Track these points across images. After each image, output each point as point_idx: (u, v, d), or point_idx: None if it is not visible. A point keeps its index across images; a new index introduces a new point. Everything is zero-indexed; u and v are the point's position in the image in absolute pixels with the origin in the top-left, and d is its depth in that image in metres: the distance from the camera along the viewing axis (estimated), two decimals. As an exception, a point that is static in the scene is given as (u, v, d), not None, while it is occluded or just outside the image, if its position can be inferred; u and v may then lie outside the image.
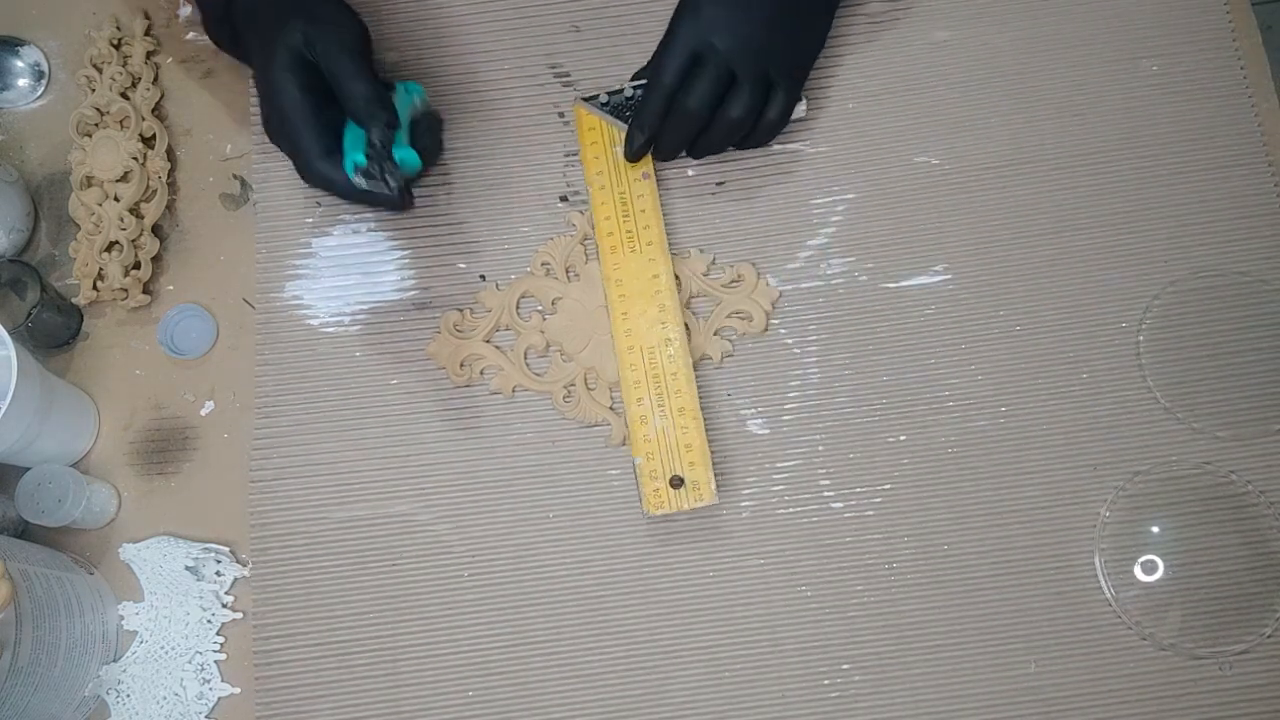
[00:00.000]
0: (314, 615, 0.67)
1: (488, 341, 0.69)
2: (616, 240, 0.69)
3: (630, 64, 0.73)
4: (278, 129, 0.65)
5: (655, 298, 0.68)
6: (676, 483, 0.65)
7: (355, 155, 0.62)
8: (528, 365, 0.69)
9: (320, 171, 0.64)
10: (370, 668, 0.66)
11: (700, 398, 0.68)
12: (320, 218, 0.72)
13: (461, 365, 0.69)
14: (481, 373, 0.69)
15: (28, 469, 0.66)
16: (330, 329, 0.70)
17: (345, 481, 0.68)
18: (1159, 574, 0.66)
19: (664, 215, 0.70)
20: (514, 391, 0.69)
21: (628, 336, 0.68)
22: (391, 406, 0.69)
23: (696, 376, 0.68)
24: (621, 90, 0.71)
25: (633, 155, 0.69)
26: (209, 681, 0.66)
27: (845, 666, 0.65)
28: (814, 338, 0.69)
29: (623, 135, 0.70)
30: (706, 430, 0.67)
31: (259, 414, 0.69)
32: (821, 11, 0.70)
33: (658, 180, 0.71)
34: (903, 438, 0.68)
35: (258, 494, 0.68)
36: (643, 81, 0.70)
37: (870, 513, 0.67)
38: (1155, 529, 0.66)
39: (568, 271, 0.70)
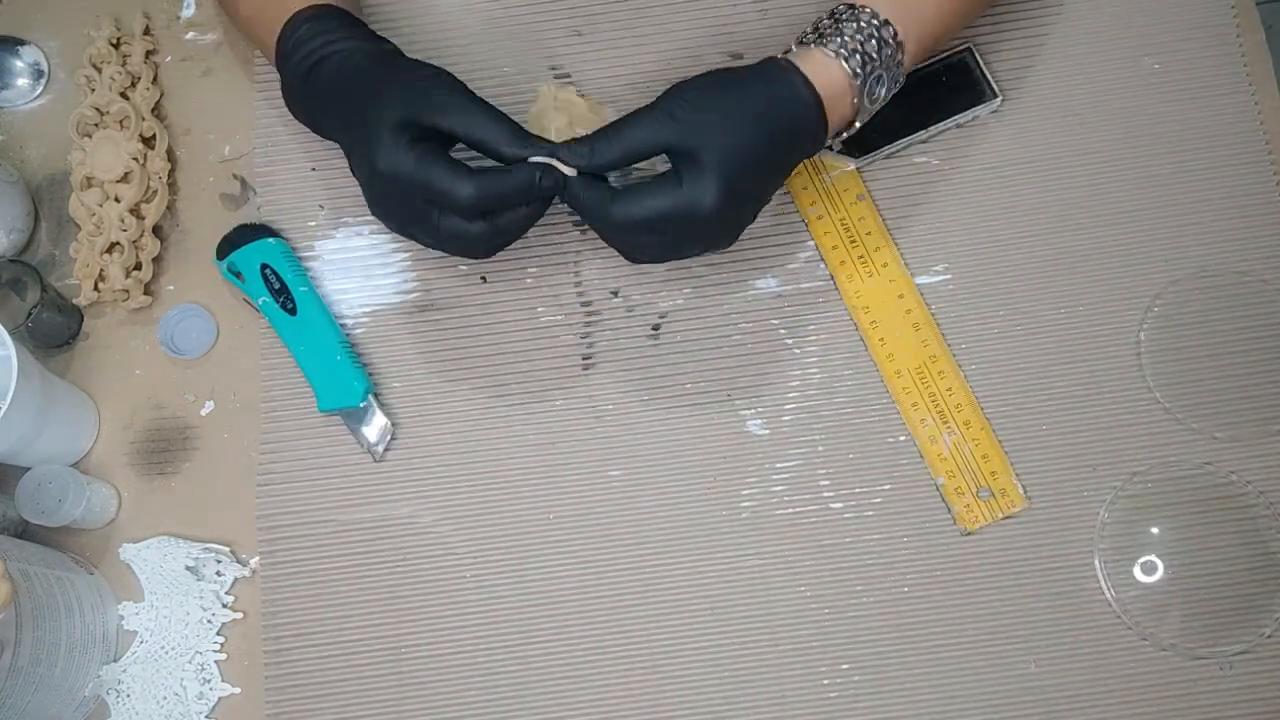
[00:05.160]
0: (321, 615, 0.67)
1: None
2: (851, 268, 0.69)
3: (630, 68, 0.73)
4: (402, 206, 0.60)
5: (907, 317, 0.68)
6: (984, 495, 0.66)
7: (354, 400, 0.67)
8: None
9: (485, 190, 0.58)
10: (375, 666, 0.66)
11: (699, 397, 0.68)
12: (323, 221, 0.72)
13: None
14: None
15: (28, 469, 0.66)
16: (331, 330, 0.71)
17: (350, 484, 0.68)
18: (1159, 574, 0.66)
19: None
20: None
21: (891, 361, 0.68)
22: (394, 409, 0.69)
23: (696, 375, 0.68)
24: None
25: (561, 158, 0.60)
26: (209, 681, 0.66)
27: (845, 666, 0.65)
28: (814, 338, 0.69)
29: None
30: (711, 431, 0.68)
31: (265, 418, 0.69)
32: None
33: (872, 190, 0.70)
34: (902, 438, 0.68)
35: (265, 496, 0.68)
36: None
37: (870, 513, 0.67)
38: (1155, 529, 0.66)
39: None
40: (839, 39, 0.61)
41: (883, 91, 0.63)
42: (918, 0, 0.62)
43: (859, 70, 0.61)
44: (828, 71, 0.61)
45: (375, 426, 0.68)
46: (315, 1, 0.64)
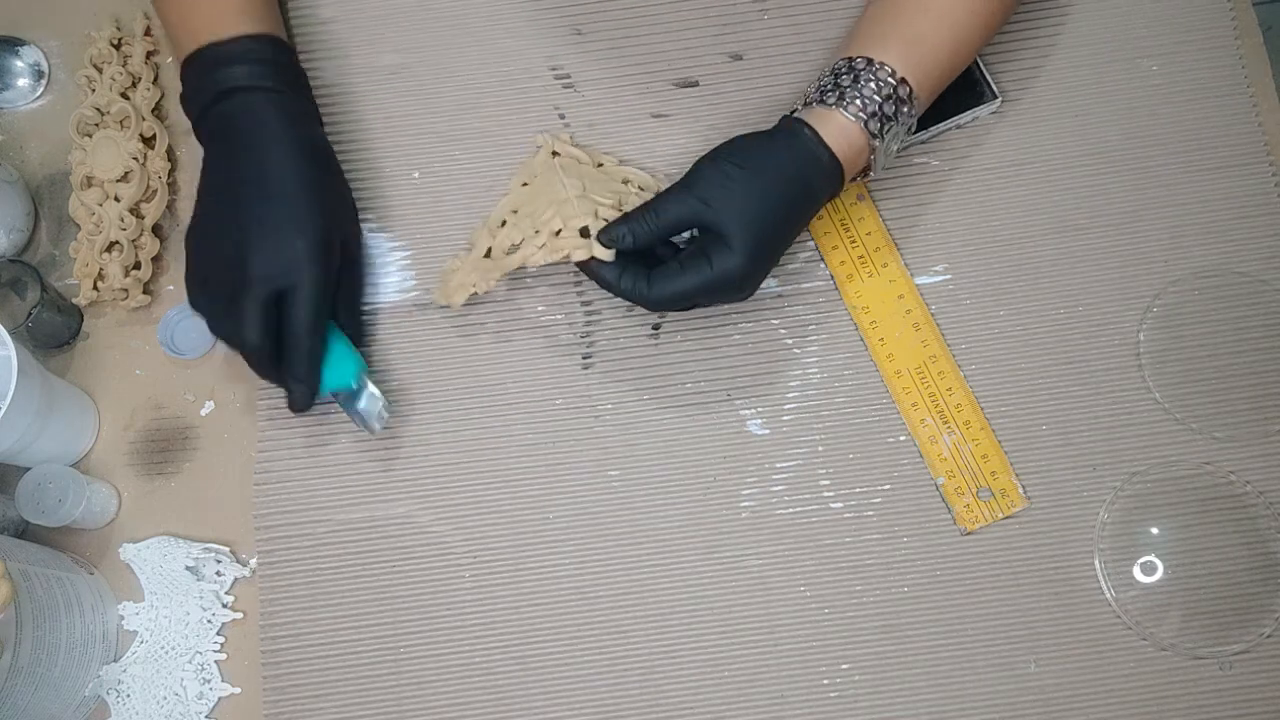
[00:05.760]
0: (319, 616, 0.67)
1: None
2: (851, 268, 0.69)
3: (631, 66, 0.73)
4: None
5: (907, 317, 0.68)
6: (984, 495, 0.66)
7: (348, 380, 0.66)
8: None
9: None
10: (373, 667, 0.66)
11: (699, 397, 0.68)
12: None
13: None
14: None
15: (28, 469, 0.66)
16: (331, 329, 0.71)
17: (348, 483, 0.68)
18: (1158, 575, 0.66)
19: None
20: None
21: (891, 361, 0.68)
22: (392, 408, 0.69)
23: (696, 375, 0.68)
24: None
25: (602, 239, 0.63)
26: (209, 681, 0.66)
27: (845, 666, 0.65)
28: (814, 338, 0.69)
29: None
30: (711, 431, 0.68)
31: (263, 417, 0.69)
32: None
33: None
34: (902, 438, 0.68)
35: (262, 496, 0.68)
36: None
37: (870, 513, 0.67)
38: (1154, 529, 0.66)
39: None
40: (859, 100, 0.62)
41: (897, 146, 0.65)
42: (929, 52, 0.63)
43: (877, 131, 0.62)
44: (847, 135, 0.62)
45: (369, 399, 0.67)
46: (203, 42, 0.65)
